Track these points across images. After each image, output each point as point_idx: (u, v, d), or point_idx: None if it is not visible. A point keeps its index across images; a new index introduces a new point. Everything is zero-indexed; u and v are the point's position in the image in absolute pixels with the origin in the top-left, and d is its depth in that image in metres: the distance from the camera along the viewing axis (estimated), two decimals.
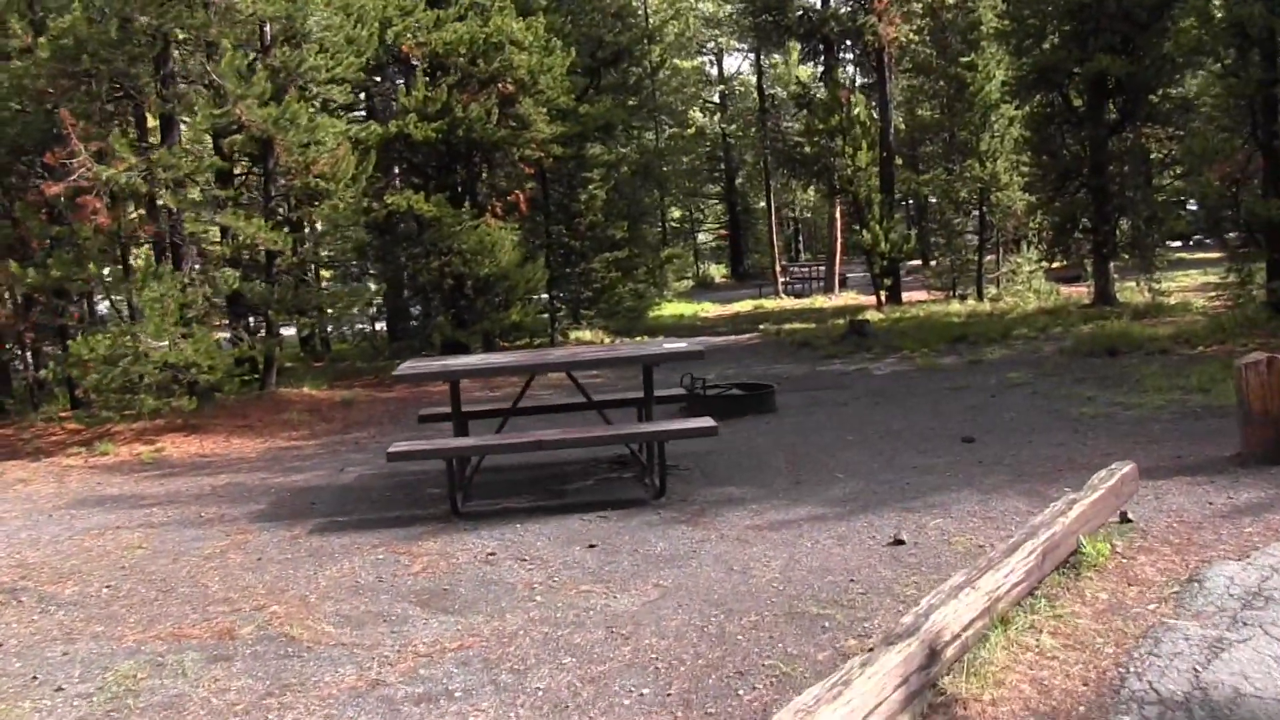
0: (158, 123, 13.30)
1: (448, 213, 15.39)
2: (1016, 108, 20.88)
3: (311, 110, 12.48)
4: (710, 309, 29.12)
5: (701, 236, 52.96)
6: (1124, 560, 5.40)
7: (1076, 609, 4.79)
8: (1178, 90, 19.62)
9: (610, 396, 9.94)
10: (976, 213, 22.51)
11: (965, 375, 12.99)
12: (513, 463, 9.32)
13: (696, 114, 41.60)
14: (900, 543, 6.18)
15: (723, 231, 48.32)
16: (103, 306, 16.10)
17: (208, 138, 13.59)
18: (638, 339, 19.91)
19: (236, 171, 15.50)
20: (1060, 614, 4.72)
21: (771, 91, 38.24)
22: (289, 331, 21.31)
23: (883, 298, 22.63)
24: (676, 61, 41.90)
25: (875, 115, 23.07)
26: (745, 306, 28.41)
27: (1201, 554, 5.47)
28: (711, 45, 42.93)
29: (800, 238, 54.66)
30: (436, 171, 17.14)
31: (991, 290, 22.14)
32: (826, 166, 22.27)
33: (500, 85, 16.09)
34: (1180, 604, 4.76)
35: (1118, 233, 18.94)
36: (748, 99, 43.06)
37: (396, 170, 18.22)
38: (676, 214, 48.59)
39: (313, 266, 18.77)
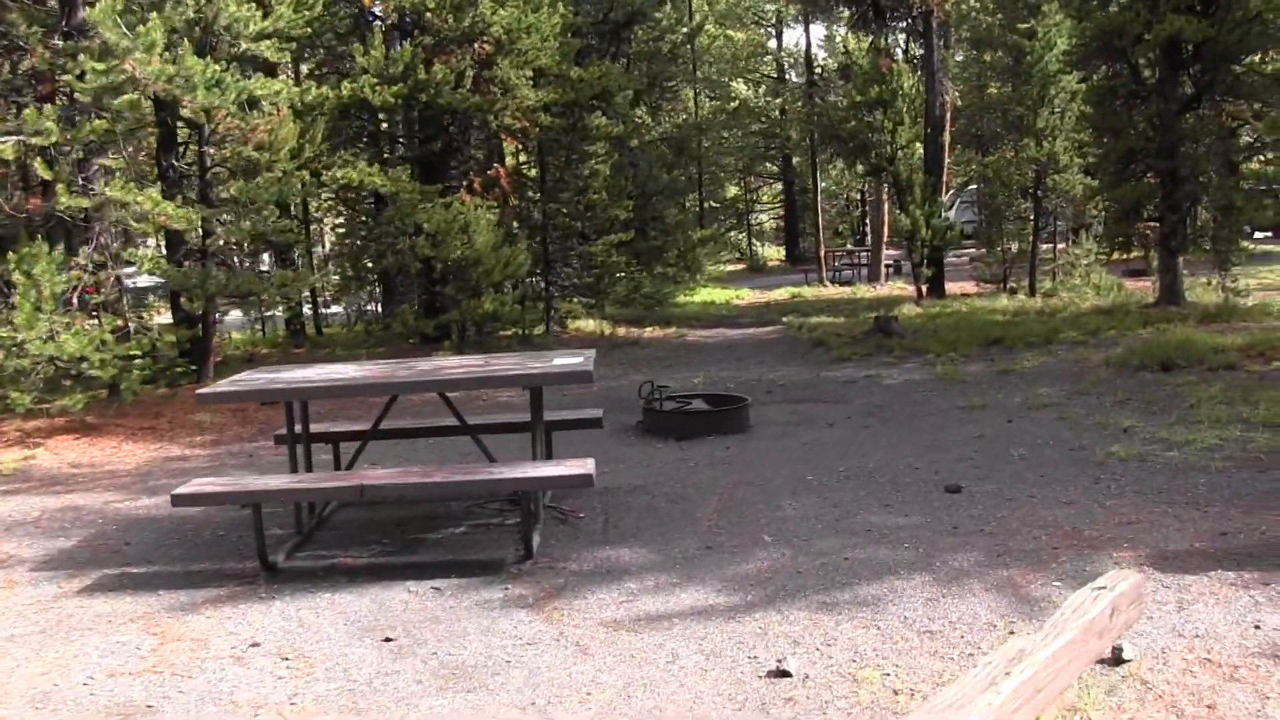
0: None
1: (406, 187, 13.57)
2: (1080, 81, 18.43)
3: (220, 69, 10.69)
4: (746, 296, 27.05)
5: (762, 217, 50.69)
6: None
7: None
8: (1268, 60, 16.89)
9: (506, 418, 8.07)
10: (1032, 198, 20.05)
11: (988, 389, 10.86)
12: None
13: (740, 86, 39.11)
14: (785, 674, 4.23)
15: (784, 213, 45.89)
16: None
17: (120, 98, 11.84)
18: (670, 326, 18.06)
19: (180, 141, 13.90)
20: None
21: (822, 64, 35.81)
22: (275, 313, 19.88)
23: (923, 290, 20.37)
24: (730, 33, 39.72)
25: (922, 89, 20.75)
26: (783, 295, 26.27)
27: None
28: (770, 15, 40.49)
29: (867, 222, 51.90)
30: (408, 142, 15.36)
31: (1046, 284, 19.77)
32: (864, 144, 20.03)
33: (478, 46, 14.22)
34: None
35: (1189, 223, 16.47)
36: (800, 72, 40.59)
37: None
38: (732, 192, 46.39)
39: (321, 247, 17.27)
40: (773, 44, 42.43)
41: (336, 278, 16.36)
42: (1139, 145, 16.11)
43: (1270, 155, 17.30)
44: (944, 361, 12.80)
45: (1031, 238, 20.00)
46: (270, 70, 15.75)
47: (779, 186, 45.13)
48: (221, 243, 12.55)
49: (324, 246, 22.05)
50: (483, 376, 6.34)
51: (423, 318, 14.55)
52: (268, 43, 11.66)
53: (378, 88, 13.40)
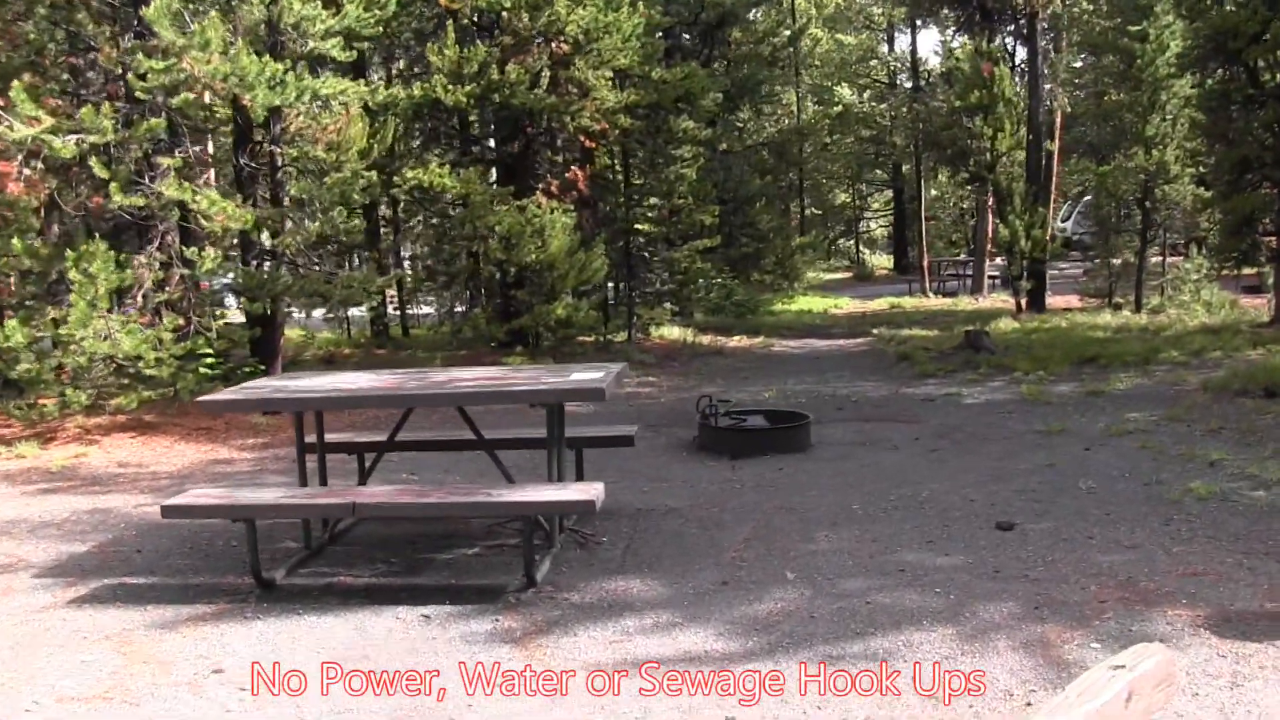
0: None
1: (477, 189, 13.33)
2: (1194, 86, 17.35)
3: (284, 67, 10.52)
4: (845, 305, 26.32)
5: (872, 224, 49.66)
6: None
7: None
8: None
9: (527, 433, 7.67)
10: (1140, 209, 18.94)
11: (1071, 413, 10.10)
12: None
13: (844, 91, 38.20)
14: None
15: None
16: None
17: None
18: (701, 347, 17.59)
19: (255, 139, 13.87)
20: None
21: (929, 69, 34.78)
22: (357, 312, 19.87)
23: (1022, 303, 19.45)
24: (841, 36, 38.90)
25: (1025, 94, 19.85)
26: (882, 305, 25.51)
27: None
28: (880, 20, 39.54)
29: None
30: (491, 144, 15.14)
31: (1154, 300, 18.68)
32: (963, 150, 19.22)
33: (555, 46, 13.93)
34: None
35: None
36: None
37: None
38: (841, 198, 45.51)
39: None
40: (884, 49, 41.46)
41: (409, 279, 16.22)
42: (1255, 153, 15.05)
43: None
44: (1031, 381, 12.06)
45: (1138, 251, 18.93)
46: (359, 71, 15.70)
47: (889, 194, 44.09)
48: (288, 242, 12.43)
49: (406, 247, 22.01)
50: (494, 391, 5.96)
51: (496, 322, 14.30)
52: (334, 41, 11.47)
53: (450, 88, 13.20)
